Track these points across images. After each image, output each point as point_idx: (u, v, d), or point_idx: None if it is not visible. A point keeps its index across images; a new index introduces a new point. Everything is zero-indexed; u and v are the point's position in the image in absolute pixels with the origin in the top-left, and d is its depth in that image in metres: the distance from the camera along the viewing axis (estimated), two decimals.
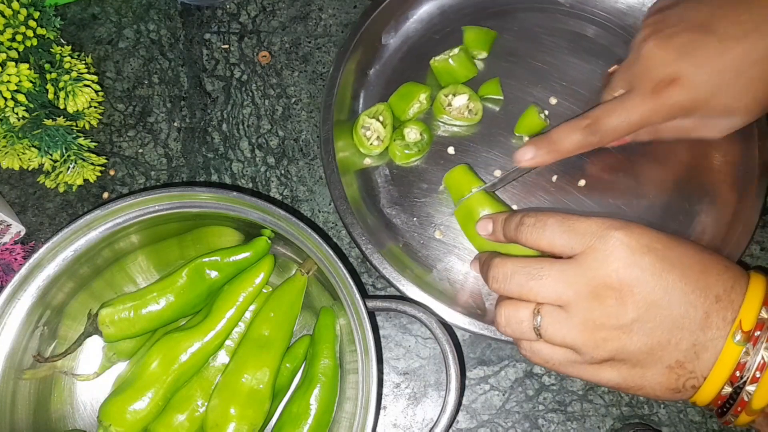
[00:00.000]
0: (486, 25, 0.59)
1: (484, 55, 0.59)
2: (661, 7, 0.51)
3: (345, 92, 0.57)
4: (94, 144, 0.56)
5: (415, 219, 0.55)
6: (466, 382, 0.52)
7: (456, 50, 0.57)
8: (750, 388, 0.36)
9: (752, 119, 0.48)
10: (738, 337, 0.36)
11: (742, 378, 0.36)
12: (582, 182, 0.55)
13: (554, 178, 0.55)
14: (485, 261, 0.44)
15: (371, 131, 0.56)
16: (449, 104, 0.57)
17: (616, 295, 0.37)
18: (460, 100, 0.56)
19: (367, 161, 0.57)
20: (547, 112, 0.57)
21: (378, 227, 0.54)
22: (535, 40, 0.59)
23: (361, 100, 0.59)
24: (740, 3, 0.46)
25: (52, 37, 0.53)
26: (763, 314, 0.36)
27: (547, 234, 0.40)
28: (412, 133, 0.56)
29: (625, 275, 0.37)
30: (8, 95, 0.49)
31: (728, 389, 0.37)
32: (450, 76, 0.57)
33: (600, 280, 0.37)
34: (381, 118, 0.56)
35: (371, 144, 0.55)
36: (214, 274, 0.47)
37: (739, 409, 0.37)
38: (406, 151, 0.55)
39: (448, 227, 0.55)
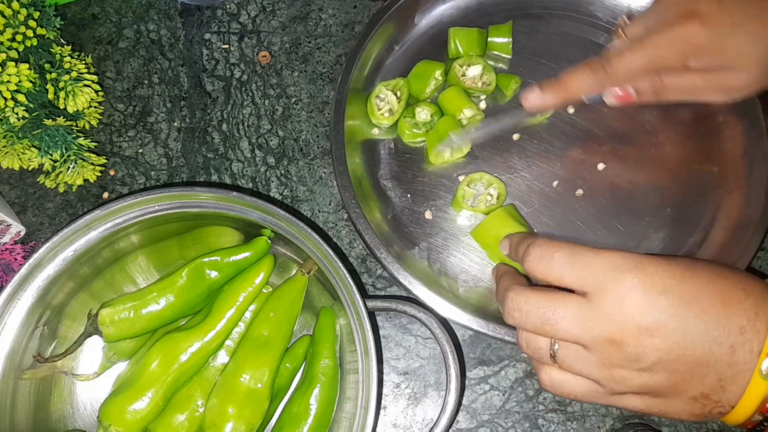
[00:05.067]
0: (518, 26, 0.60)
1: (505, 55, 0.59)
2: None
3: (367, 61, 0.58)
4: (94, 144, 0.56)
5: (408, 195, 0.56)
6: (466, 382, 0.52)
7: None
8: None
9: (764, 80, 0.47)
10: (765, 369, 0.35)
11: None
12: (580, 191, 0.55)
13: (555, 183, 0.55)
14: (500, 277, 0.43)
15: (384, 103, 0.56)
16: (464, 74, 0.57)
17: (634, 341, 0.36)
18: (475, 71, 0.57)
19: (375, 131, 0.57)
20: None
21: (371, 196, 0.55)
22: (563, 47, 0.60)
23: (381, 73, 0.59)
24: None
25: (52, 37, 0.53)
26: None
27: (554, 269, 0.38)
28: (423, 113, 0.56)
29: (643, 320, 0.36)
30: (8, 95, 0.49)
31: (758, 417, 0.36)
32: (467, 44, 0.58)
33: (616, 326, 0.36)
34: (398, 93, 0.56)
35: (381, 114, 0.56)
36: (214, 274, 0.47)
37: None
38: (415, 130, 0.56)
39: (439, 209, 0.55)
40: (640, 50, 0.47)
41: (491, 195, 0.54)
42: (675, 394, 0.37)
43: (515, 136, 0.57)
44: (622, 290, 0.36)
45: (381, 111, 0.56)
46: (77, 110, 0.54)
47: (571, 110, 0.57)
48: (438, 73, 0.57)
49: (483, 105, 0.58)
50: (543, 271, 0.39)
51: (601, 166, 0.56)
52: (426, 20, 0.61)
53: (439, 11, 0.61)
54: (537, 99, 0.50)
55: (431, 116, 0.56)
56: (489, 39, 0.59)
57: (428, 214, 0.55)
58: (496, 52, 0.59)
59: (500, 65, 0.59)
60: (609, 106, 0.51)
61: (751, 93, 0.49)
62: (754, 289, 0.37)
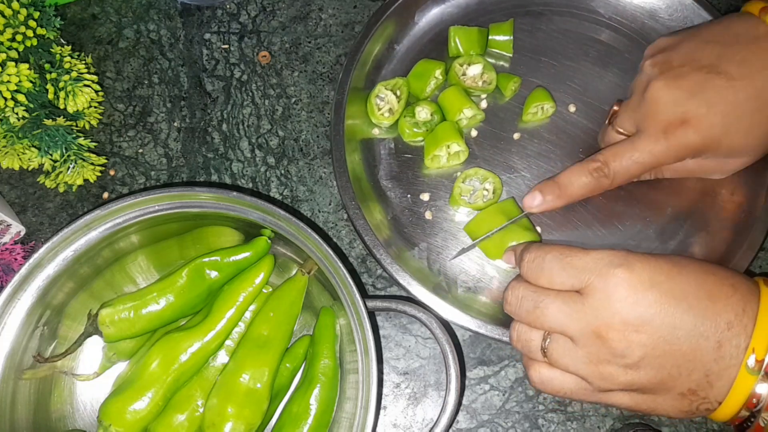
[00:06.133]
0: (518, 23, 0.59)
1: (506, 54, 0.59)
2: (662, 47, 0.50)
3: (367, 60, 0.58)
4: (94, 144, 0.56)
5: (408, 196, 0.55)
6: (466, 382, 0.52)
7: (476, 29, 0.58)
8: (766, 415, 0.35)
9: (757, 158, 0.49)
10: (751, 364, 0.35)
11: (757, 405, 0.35)
12: None
13: None
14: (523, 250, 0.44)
15: (384, 102, 0.56)
16: (464, 74, 0.57)
17: (619, 336, 0.36)
18: (475, 70, 0.57)
19: (376, 131, 0.57)
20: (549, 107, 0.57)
21: (371, 196, 0.55)
22: (564, 44, 0.59)
23: (382, 72, 0.59)
24: (745, 44, 0.46)
25: (52, 37, 0.53)
26: None
27: (545, 271, 0.39)
28: (423, 112, 0.56)
29: (629, 316, 0.36)
30: (8, 95, 0.49)
31: (745, 413, 0.36)
32: (468, 42, 0.58)
33: (602, 321, 0.36)
34: (398, 93, 0.56)
35: (381, 114, 0.56)
36: (214, 274, 0.47)
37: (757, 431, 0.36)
38: (415, 129, 0.56)
39: (439, 209, 0.55)
40: (637, 155, 0.48)
41: (487, 190, 0.54)
42: (662, 391, 0.37)
43: (515, 136, 0.57)
44: (609, 286, 0.37)
45: (381, 111, 0.56)
46: (77, 110, 0.54)
47: (572, 109, 0.57)
48: (438, 72, 0.57)
49: (484, 104, 0.58)
50: (536, 274, 0.40)
51: None
52: (426, 19, 0.60)
53: (440, 10, 0.61)
54: (537, 202, 0.51)
55: (431, 115, 0.56)
56: (490, 37, 0.59)
57: (428, 215, 0.55)
58: (496, 51, 0.59)
59: (501, 63, 0.59)
60: None
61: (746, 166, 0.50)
62: (741, 285, 0.37)
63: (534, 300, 0.39)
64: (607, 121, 0.53)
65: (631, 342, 0.36)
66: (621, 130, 0.51)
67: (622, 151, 0.48)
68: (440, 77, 0.58)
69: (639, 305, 0.36)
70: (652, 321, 0.36)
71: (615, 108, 0.52)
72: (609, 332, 0.36)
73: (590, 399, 0.40)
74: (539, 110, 0.57)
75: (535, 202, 0.51)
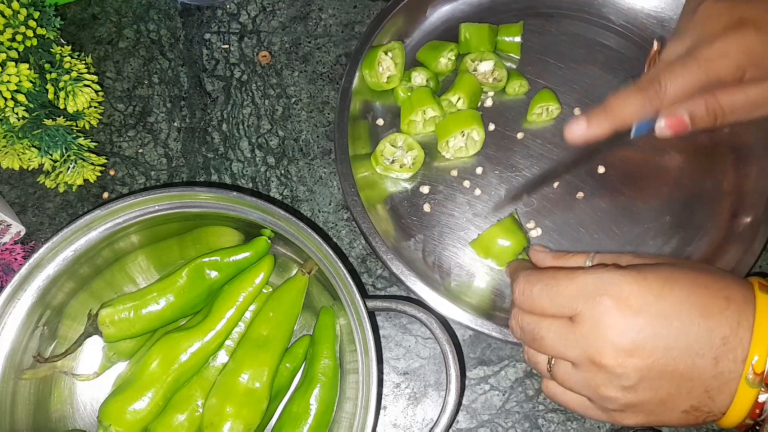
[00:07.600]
0: (528, 24, 0.60)
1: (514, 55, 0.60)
2: None
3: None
4: (94, 144, 0.56)
5: (408, 187, 0.56)
6: (466, 382, 0.52)
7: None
8: None
9: None
10: (751, 376, 0.35)
11: (761, 415, 0.35)
12: (580, 194, 0.55)
13: (555, 184, 0.55)
14: (512, 284, 0.44)
15: (383, 68, 0.56)
16: (475, 69, 0.57)
17: (614, 362, 0.36)
18: (486, 66, 0.57)
19: (380, 122, 0.57)
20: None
21: (371, 186, 0.55)
22: (572, 48, 0.60)
23: None
24: None
25: (52, 37, 0.53)
26: None
27: (536, 302, 0.39)
28: (419, 78, 0.56)
29: (620, 342, 0.35)
30: (8, 95, 0.49)
31: (750, 421, 0.36)
32: (478, 39, 0.58)
33: (594, 349, 0.36)
34: (390, 54, 0.56)
35: (382, 80, 0.56)
36: (214, 274, 0.47)
37: None
38: (410, 94, 0.56)
39: (438, 203, 0.55)
40: (692, 65, 0.42)
41: (407, 160, 0.55)
42: (665, 410, 0.37)
43: (519, 135, 0.57)
44: (597, 314, 0.36)
45: (382, 76, 0.56)
46: (77, 110, 0.54)
47: (577, 112, 0.57)
48: (451, 54, 0.57)
49: (489, 102, 0.58)
50: (528, 306, 0.40)
51: (602, 170, 0.55)
52: (437, 14, 0.61)
53: (451, 6, 0.61)
54: (581, 131, 0.45)
55: (426, 81, 0.57)
56: (499, 38, 0.59)
57: (426, 207, 0.55)
58: (505, 52, 0.59)
59: (509, 65, 0.59)
60: (660, 137, 0.46)
61: None
62: (735, 295, 0.36)
63: (532, 331, 0.39)
64: (646, 67, 0.48)
65: (626, 367, 0.36)
66: (665, 61, 0.45)
67: (672, 65, 0.43)
68: (452, 57, 0.58)
69: (630, 330, 0.35)
70: (644, 345, 0.35)
71: (655, 47, 0.46)
72: (603, 359, 0.36)
73: (599, 417, 0.40)
74: (544, 111, 0.56)
75: (579, 128, 0.45)
